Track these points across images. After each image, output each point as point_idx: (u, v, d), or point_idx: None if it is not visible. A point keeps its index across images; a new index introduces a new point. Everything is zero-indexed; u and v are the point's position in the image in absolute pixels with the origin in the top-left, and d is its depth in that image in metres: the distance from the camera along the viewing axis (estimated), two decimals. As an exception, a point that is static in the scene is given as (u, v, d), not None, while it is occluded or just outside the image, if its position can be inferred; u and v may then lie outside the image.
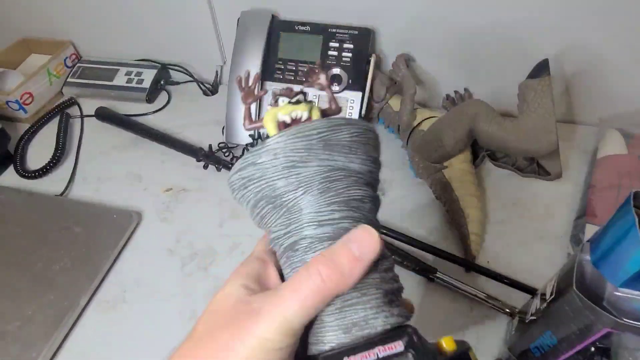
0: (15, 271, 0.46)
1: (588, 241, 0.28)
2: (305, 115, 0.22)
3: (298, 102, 0.22)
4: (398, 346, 0.17)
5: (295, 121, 0.22)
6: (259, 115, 0.57)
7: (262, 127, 0.23)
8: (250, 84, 0.24)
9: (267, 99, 0.57)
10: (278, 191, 0.20)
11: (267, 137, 0.21)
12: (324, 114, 0.23)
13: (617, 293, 0.24)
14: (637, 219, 0.23)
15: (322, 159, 0.20)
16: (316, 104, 0.23)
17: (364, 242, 0.18)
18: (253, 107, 0.57)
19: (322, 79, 0.24)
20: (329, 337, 0.19)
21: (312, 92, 0.56)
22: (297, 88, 0.23)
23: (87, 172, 0.59)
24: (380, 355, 0.17)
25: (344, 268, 0.18)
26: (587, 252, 0.28)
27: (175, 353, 0.19)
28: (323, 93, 0.27)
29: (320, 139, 0.20)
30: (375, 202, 0.22)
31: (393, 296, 0.20)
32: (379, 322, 0.18)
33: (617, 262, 0.24)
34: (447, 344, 0.18)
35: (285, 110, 0.22)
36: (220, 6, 0.62)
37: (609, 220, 0.26)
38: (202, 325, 0.19)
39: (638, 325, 0.23)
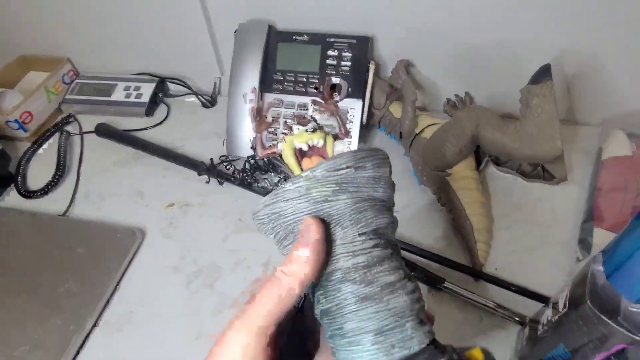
0: (20, 295, 0.46)
1: (601, 252, 0.28)
2: (321, 143, 0.23)
3: (314, 130, 0.23)
4: None
5: (311, 148, 0.23)
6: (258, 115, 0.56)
7: (275, 154, 0.24)
8: (263, 113, 0.26)
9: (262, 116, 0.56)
10: None
11: (282, 158, 0.23)
12: (336, 139, 0.25)
13: (633, 309, 0.24)
14: (650, 233, 0.23)
15: (352, 191, 0.21)
16: (329, 132, 0.24)
17: (304, 231, 0.20)
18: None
19: (334, 107, 0.26)
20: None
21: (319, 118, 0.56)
22: (304, 112, 0.25)
23: (88, 190, 0.58)
24: None
25: (296, 257, 0.20)
26: (600, 263, 0.27)
27: None
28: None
29: (350, 172, 0.21)
30: (395, 225, 0.23)
31: (422, 314, 0.21)
32: (415, 342, 0.20)
33: (631, 278, 0.23)
34: (476, 356, 0.20)
35: (302, 139, 0.23)
36: (217, 18, 0.62)
37: (621, 232, 0.25)
38: None
39: (655, 341, 0.22)
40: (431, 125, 0.52)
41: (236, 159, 0.58)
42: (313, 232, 0.20)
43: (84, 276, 0.47)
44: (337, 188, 0.20)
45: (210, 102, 0.70)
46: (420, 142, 0.52)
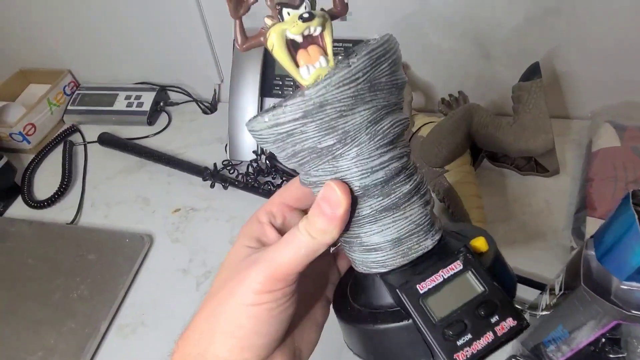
0: (34, 302, 0.47)
1: (591, 237, 0.29)
2: (319, 31, 0.18)
3: (311, 15, 0.18)
4: (458, 266, 0.20)
5: (307, 38, 0.18)
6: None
7: (261, 44, 0.19)
8: None
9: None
10: (324, 144, 0.19)
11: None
12: (333, 17, 0.19)
13: (623, 287, 0.25)
14: (637, 216, 0.24)
15: (368, 101, 0.18)
16: (325, 14, 0.19)
17: (332, 201, 0.19)
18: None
19: None
20: (390, 262, 0.20)
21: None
22: None
23: (95, 199, 0.60)
24: (446, 277, 0.20)
25: (323, 226, 0.19)
26: (592, 248, 0.29)
27: (199, 307, 0.22)
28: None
29: (366, 80, 0.18)
30: (409, 124, 0.21)
31: (431, 213, 0.21)
32: (429, 243, 0.21)
33: (620, 258, 0.25)
34: (481, 246, 0.22)
35: (296, 29, 0.18)
36: (215, 25, 0.64)
37: (610, 218, 0.27)
38: (216, 281, 0.22)
39: (645, 316, 0.24)
40: (427, 123, 0.54)
41: (239, 163, 0.59)
42: (340, 205, 0.19)
43: (96, 281, 0.48)
44: (353, 101, 0.18)
45: (210, 108, 0.71)
46: (417, 140, 0.53)
